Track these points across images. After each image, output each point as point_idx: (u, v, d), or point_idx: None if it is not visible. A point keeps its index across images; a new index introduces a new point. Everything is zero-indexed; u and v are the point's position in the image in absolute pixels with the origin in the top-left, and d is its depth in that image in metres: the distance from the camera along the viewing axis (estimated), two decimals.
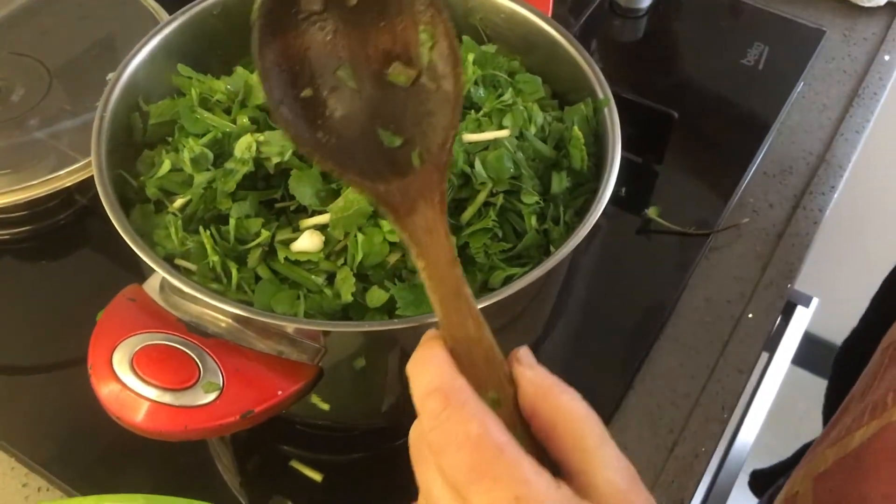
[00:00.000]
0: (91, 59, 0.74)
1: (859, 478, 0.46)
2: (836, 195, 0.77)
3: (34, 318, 0.68)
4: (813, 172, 0.79)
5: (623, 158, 0.78)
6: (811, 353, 1.10)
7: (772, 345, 0.81)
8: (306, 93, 0.44)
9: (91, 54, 0.74)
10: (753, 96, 0.85)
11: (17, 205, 0.68)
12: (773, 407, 0.80)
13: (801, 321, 0.83)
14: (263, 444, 0.60)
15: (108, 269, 0.70)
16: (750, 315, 0.69)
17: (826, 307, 0.88)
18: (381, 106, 0.44)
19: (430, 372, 0.34)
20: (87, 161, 0.65)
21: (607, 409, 0.63)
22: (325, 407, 0.53)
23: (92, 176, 0.64)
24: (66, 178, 0.64)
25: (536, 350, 0.64)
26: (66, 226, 0.72)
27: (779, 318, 0.76)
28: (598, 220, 0.70)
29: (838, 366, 0.58)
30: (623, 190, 0.76)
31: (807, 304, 0.84)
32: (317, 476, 0.58)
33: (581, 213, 0.50)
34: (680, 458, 0.61)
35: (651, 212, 0.73)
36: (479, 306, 0.38)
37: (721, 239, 0.74)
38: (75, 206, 0.72)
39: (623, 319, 0.68)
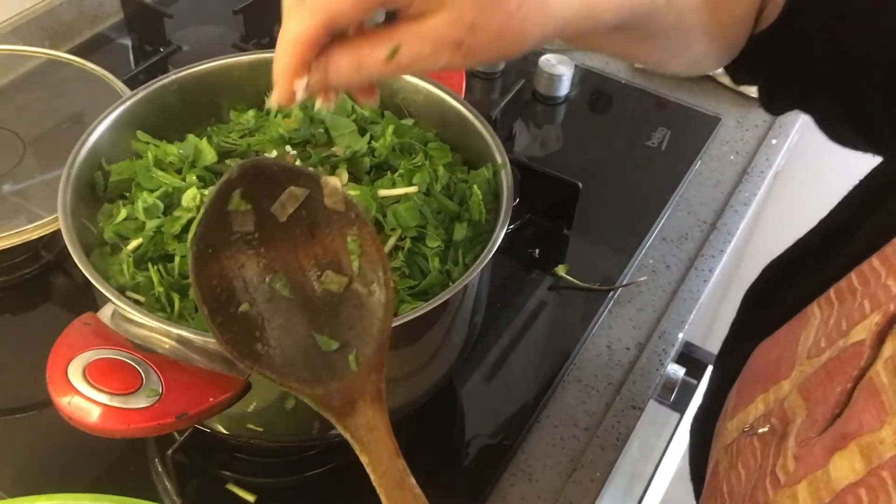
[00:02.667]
0: (62, 132, 0.83)
1: None
2: (724, 258, 0.87)
3: None
4: (705, 238, 0.89)
5: (536, 224, 0.88)
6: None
7: (682, 404, 0.89)
8: (244, 307, 0.47)
9: (62, 127, 0.83)
10: (656, 173, 0.96)
11: None
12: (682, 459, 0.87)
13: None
14: (203, 468, 0.66)
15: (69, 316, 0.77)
16: (645, 359, 0.78)
17: None
18: (317, 312, 0.47)
19: None
20: (52, 217, 0.73)
21: (517, 439, 0.71)
22: (260, 429, 0.60)
23: (56, 232, 0.72)
24: (33, 231, 0.72)
25: (457, 384, 0.72)
26: (31, 279, 0.80)
27: (682, 372, 0.85)
28: (516, 279, 0.80)
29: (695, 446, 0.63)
30: (537, 251, 0.86)
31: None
32: (250, 497, 0.65)
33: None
34: (578, 483, 0.69)
35: (559, 270, 0.83)
36: (396, 323, 0.45)
37: (623, 294, 0.83)
38: (41, 262, 0.80)
39: (533, 362, 0.77)
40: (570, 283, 0.83)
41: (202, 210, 0.48)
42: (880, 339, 0.40)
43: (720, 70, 0.58)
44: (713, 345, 0.96)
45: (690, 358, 0.91)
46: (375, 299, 0.47)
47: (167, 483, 0.65)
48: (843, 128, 0.57)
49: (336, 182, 0.50)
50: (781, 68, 0.56)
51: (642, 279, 0.84)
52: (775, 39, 0.54)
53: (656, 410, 0.96)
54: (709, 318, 1.27)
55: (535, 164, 0.87)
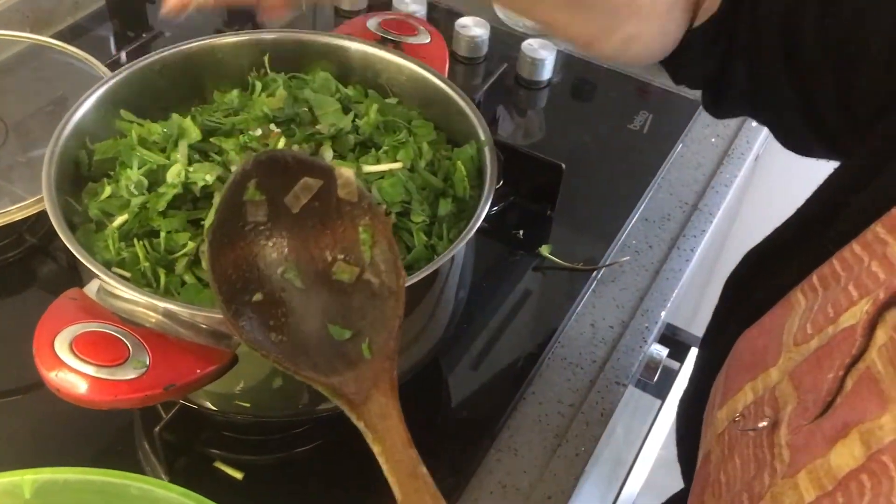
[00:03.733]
0: (45, 115, 0.82)
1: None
2: (705, 238, 0.88)
3: None
4: (687, 219, 0.90)
5: (520, 206, 0.89)
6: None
7: (662, 388, 0.90)
8: (257, 297, 0.47)
9: (45, 110, 0.83)
10: (638, 155, 0.97)
11: None
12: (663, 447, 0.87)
13: (692, 362, 0.91)
14: (190, 446, 0.66)
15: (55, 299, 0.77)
16: (628, 337, 0.79)
17: None
18: (329, 302, 0.47)
19: None
20: (36, 199, 0.72)
21: (503, 415, 0.71)
22: (247, 405, 0.60)
23: (40, 214, 0.72)
24: (16, 212, 0.72)
25: (445, 362, 0.73)
26: (15, 263, 0.79)
27: (665, 353, 0.86)
28: (501, 260, 0.81)
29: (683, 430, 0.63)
30: (521, 233, 0.86)
31: (698, 345, 0.94)
32: (238, 474, 0.65)
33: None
34: (563, 458, 0.70)
35: (543, 250, 0.83)
36: None
37: (606, 274, 0.84)
38: (25, 245, 0.79)
39: (519, 341, 0.77)
40: (554, 264, 0.83)
41: (218, 200, 0.49)
42: (871, 326, 0.41)
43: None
44: (698, 328, 0.97)
45: (674, 340, 0.92)
46: (387, 288, 0.47)
47: (155, 461, 0.65)
48: (796, 131, 0.57)
49: (350, 173, 0.50)
50: (728, 64, 0.55)
51: (625, 259, 0.85)
52: (718, 33, 0.54)
53: (639, 397, 0.97)
54: (693, 302, 1.29)
55: (518, 146, 0.87)
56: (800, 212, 0.53)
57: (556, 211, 0.88)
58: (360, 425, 0.41)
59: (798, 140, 0.59)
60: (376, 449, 0.40)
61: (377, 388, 0.42)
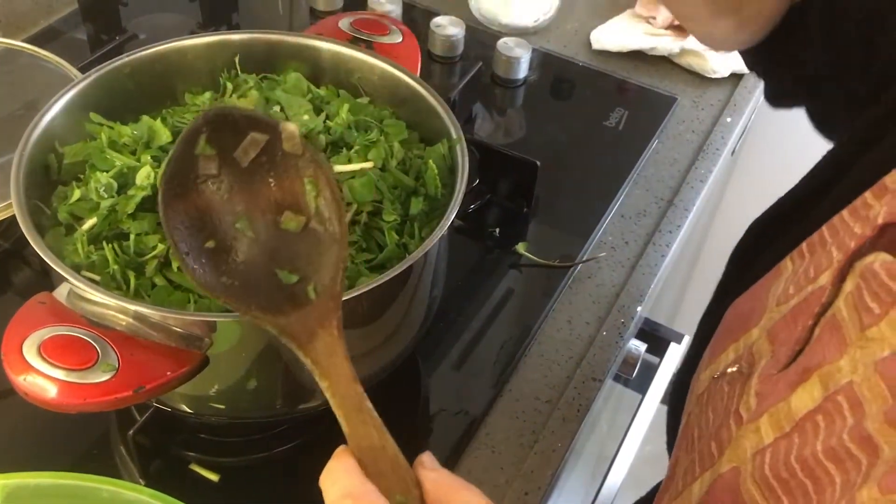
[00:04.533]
0: (16, 119, 0.82)
1: None
2: (681, 233, 0.89)
3: None
4: (663, 214, 0.91)
5: (496, 204, 0.89)
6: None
7: (643, 383, 0.90)
8: (209, 244, 0.51)
9: (16, 114, 0.83)
10: (614, 152, 0.97)
11: None
12: (647, 442, 0.87)
13: (673, 357, 0.92)
14: (166, 449, 0.66)
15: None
16: (604, 332, 0.79)
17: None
18: (278, 249, 0.51)
19: (340, 480, 0.38)
20: (5, 203, 0.72)
21: (480, 412, 0.71)
22: (222, 407, 0.60)
23: (13, 219, 0.72)
24: None
25: (422, 360, 0.73)
26: None
27: (644, 347, 0.86)
28: (478, 258, 0.81)
29: (672, 401, 0.64)
30: (497, 231, 0.86)
31: (679, 341, 0.94)
32: (213, 476, 0.65)
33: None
34: (539, 454, 0.70)
35: (520, 247, 0.84)
36: (345, 297, 0.45)
37: (582, 270, 0.84)
38: None
39: (496, 338, 0.77)
40: (530, 261, 0.84)
41: (171, 152, 0.53)
42: (842, 276, 0.42)
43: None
44: (679, 324, 0.98)
45: (653, 336, 0.92)
46: (330, 234, 0.50)
47: (131, 465, 0.65)
48: (840, 116, 0.58)
49: (293, 127, 0.54)
50: (805, 50, 0.56)
51: (601, 255, 0.86)
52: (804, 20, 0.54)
53: (621, 393, 0.98)
54: (673, 298, 1.29)
55: (493, 144, 0.88)
56: (799, 184, 0.54)
57: (533, 209, 0.88)
58: (307, 362, 0.43)
59: (834, 125, 0.59)
60: (323, 385, 0.42)
61: (322, 327, 0.44)
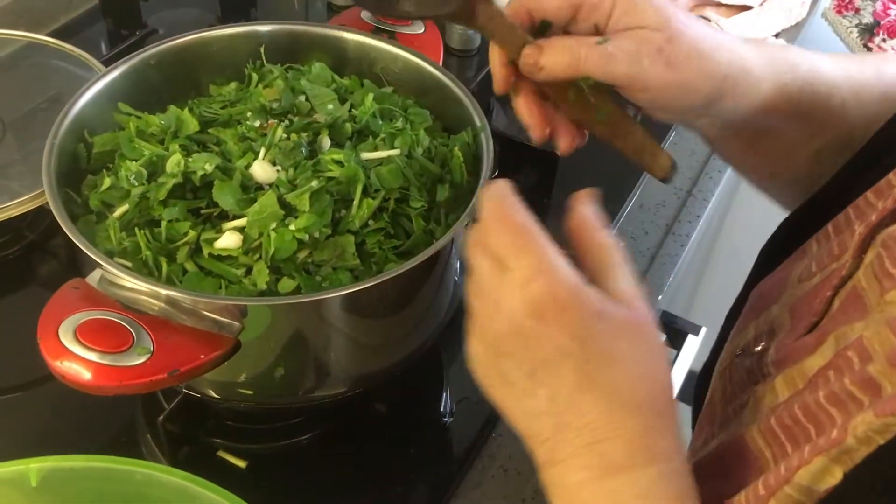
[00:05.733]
0: (41, 112, 0.83)
1: (715, 481, 0.47)
2: (700, 223, 0.89)
3: None
4: (682, 205, 0.91)
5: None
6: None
7: None
8: None
9: (41, 108, 0.83)
10: None
11: None
12: None
13: (690, 349, 0.92)
14: (194, 437, 0.67)
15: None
16: None
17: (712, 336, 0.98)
18: None
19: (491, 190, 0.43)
20: (34, 194, 0.73)
21: None
22: (251, 392, 0.61)
23: (39, 211, 0.73)
24: (14, 208, 0.72)
25: (444, 350, 0.73)
26: (14, 260, 0.79)
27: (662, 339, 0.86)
28: None
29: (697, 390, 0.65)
30: None
31: (696, 332, 0.94)
32: (241, 463, 0.65)
33: None
34: None
35: None
36: (374, 283, 0.47)
37: None
38: (24, 242, 0.80)
39: None
40: None
41: None
42: (863, 247, 0.43)
43: None
44: (696, 316, 0.98)
45: (672, 328, 0.92)
46: None
47: (158, 452, 0.66)
48: None
49: None
50: None
51: (621, 245, 0.86)
52: None
53: None
54: (690, 289, 1.29)
55: (514, 136, 0.88)
56: (830, 181, 0.54)
57: (552, 200, 0.88)
58: (482, 32, 0.53)
59: None
60: (492, 41, 0.53)
61: (479, 4, 0.52)
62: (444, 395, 0.73)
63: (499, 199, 0.42)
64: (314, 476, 0.66)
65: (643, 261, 0.85)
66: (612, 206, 0.89)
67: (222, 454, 0.66)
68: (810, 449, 0.38)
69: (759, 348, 0.49)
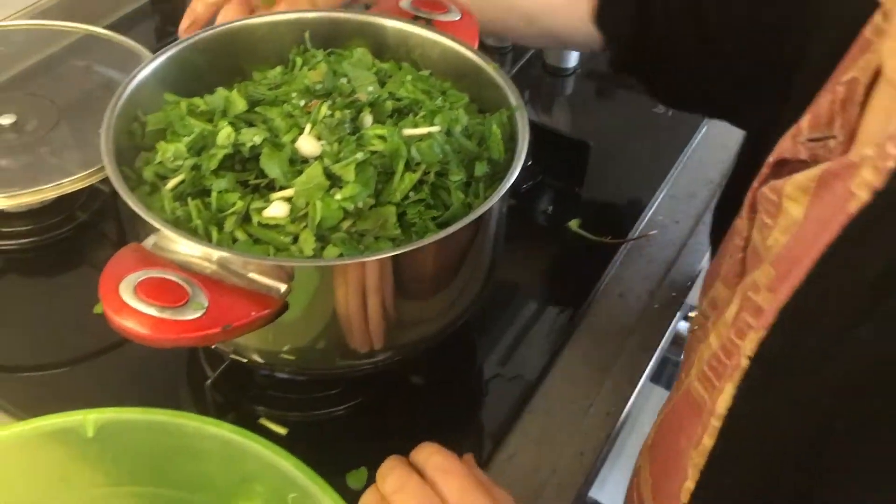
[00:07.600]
0: (94, 99, 0.86)
1: (671, 436, 0.55)
2: None
3: (35, 323, 0.77)
4: (712, 196, 0.92)
5: (548, 185, 0.91)
6: None
7: None
8: None
9: (94, 95, 0.87)
10: (664, 136, 0.99)
11: (24, 213, 0.79)
12: None
13: None
14: (239, 404, 0.69)
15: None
16: (656, 306, 0.81)
17: None
18: None
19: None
20: (86, 172, 0.76)
21: (535, 377, 0.74)
22: (292, 358, 0.63)
23: (91, 191, 0.76)
24: (68, 185, 0.76)
25: (475, 329, 0.75)
26: (67, 240, 0.83)
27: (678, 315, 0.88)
28: (531, 235, 0.83)
29: None
30: (550, 209, 0.89)
31: None
32: (282, 430, 0.68)
33: None
34: (593, 416, 0.72)
35: (572, 224, 0.86)
36: (415, 247, 0.52)
37: (633, 248, 0.86)
38: (76, 222, 0.83)
39: (551, 310, 0.80)
40: (583, 237, 0.86)
41: None
42: (753, 209, 0.52)
43: None
44: None
45: None
46: None
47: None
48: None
49: None
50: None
51: (652, 233, 0.88)
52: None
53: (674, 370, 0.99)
54: None
55: (546, 125, 0.90)
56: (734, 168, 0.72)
57: (584, 189, 0.90)
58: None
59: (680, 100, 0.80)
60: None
61: None
62: (478, 371, 0.75)
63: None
64: (350, 444, 0.69)
65: (674, 249, 0.86)
66: (642, 195, 0.91)
67: (264, 421, 0.68)
68: (725, 380, 0.45)
69: (703, 318, 0.57)
